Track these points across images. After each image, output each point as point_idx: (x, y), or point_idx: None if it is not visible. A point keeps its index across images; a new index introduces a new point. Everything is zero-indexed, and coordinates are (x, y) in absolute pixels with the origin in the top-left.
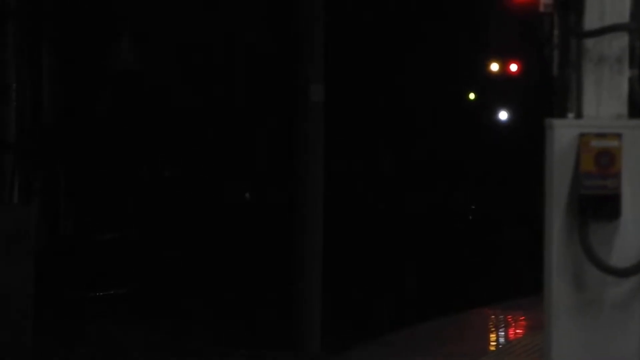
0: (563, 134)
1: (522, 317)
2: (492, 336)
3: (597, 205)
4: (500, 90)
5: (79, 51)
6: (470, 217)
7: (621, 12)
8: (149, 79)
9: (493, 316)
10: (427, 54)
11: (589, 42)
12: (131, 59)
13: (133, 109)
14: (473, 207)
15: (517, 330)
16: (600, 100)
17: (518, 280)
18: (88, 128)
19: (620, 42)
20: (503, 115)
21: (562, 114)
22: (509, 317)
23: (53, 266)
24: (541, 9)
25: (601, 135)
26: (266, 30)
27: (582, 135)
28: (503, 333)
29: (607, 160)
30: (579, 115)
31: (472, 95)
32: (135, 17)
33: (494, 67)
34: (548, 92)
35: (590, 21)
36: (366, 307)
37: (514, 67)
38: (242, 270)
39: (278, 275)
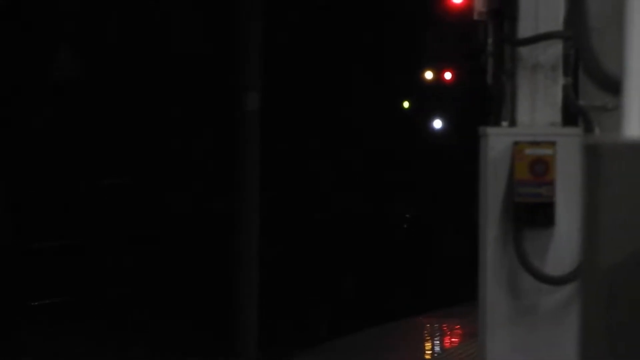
0: (497, 142)
1: (458, 326)
2: (428, 345)
3: (531, 213)
4: (434, 98)
5: (17, 60)
6: (405, 226)
7: (555, 19)
8: (87, 88)
9: (428, 325)
10: (363, 62)
11: (524, 50)
12: (70, 68)
13: (72, 117)
14: (408, 215)
15: (453, 339)
16: (535, 108)
17: (453, 289)
18: (27, 137)
19: (554, 50)
20: (438, 123)
21: (497, 122)
22: (445, 325)
23: None
24: (475, 16)
25: (535, 143)
26: (204, 38)
27: (516, 143)
28: (439, 341)
29: (542, 168)
30: (513, 123)
31: (406, 104)
32: (74, 26)
33: (429, 75)
34: (482, 100)
35: (525, 29)
36: (304, 316)
37: (448, 75)
38: (182, 277)
39: (217, 282)
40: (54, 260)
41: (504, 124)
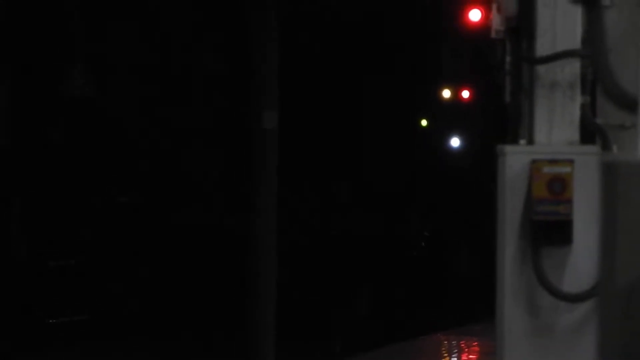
0: (515, 160)
1: (476, 343)
2: None
3: (549, 231)
4: (452, 116)
5: (33, 76)
6: (423, 244)
7: (573, 38)
8: (103, 105)
9: (446, 342)
10: (380, 81)
11: (541, 69)
12: (85, 84)
13: (87, 134)
14: (426, 233)
15: (471, 356)
16: (553, 126)
17: (471, 306)
18: (42, 154)
19: (572, 68)
20: (455, 141)
21: (514, 140)
22: (463, 342)
23: (5, 292)
24: (493, 34)
25: (553, 162)
26: (220, 56)
27: (534, 161)
28: (456, 359)
29: (560, 186)
30: (531, 141)
31: (424, 122)
32: (90, 43)
33: (446, 93)
34: (500, 119)
35: (542, 47)
36: (320, 333)
37: (465, 94)
38: (198, 294)
39: (233, 299)
40: (70, 277)
41: (522, 142)
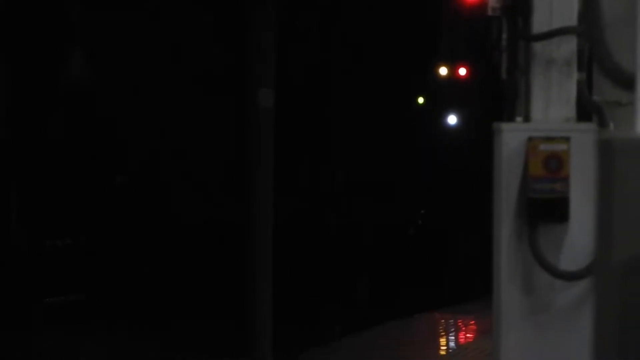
0: (511, 137)
1: (473, 321)
2: (443, 340)
3: (546, 209)
4: (449, 94)
5: (32, 67)
6: (420, 222)
7: (569, 15)
8: (99, 90)
9: (443, 320)
10: (377, 59)
11: (538, 46)
12: (81, 71)
13: (84, 118)
14: (422, 211)
15: (468, 335)
16: (549, 103)
17: (469, 285)
18: (40, 138)
19: (569, 45)
20: (452, 119)
21: (511, 118)
22: (460, 321)
23: (6, 274)
24: (489, 12)
25: (550, 139)
26: (216, 36)
27: (530, 139)
28: (453, 337)
29: (556, 164)
30: (527, 119)
31: (421, 100)
32: (86, 30)
33: (443, 71)
34: (497, 96)
35: (539, 24)
36: (318, 312)
37: (462, 71)
38: (195, 277)
39: (231, 283)
40: (67, 257)
41: (518, 119)
